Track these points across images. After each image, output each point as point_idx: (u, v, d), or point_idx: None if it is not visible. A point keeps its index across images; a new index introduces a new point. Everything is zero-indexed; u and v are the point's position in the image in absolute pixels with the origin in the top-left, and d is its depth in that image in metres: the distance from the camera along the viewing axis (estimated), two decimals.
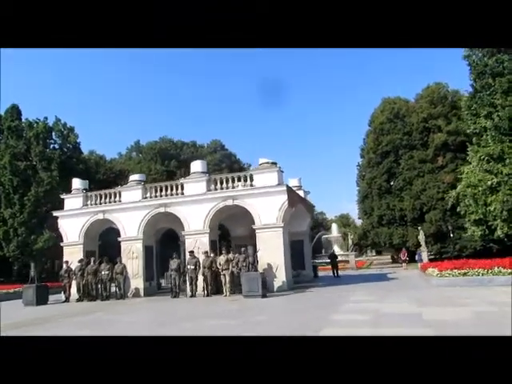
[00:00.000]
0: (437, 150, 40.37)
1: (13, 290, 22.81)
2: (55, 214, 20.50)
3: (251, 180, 17.67)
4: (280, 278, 16.41)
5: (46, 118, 37.14)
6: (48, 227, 34.15)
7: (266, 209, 16.99)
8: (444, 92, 42.63)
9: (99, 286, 17.73)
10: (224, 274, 15.85)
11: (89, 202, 20.08)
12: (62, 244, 20.06)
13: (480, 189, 27.86)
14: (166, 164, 48.21)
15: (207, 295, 15.95)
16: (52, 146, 37.01)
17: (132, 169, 47.70)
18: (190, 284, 16.22)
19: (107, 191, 20.30)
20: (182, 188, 18.64)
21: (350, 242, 38.36)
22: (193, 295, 16.10)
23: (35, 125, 36.25)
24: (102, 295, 17.60)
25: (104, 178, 43.48)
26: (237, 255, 16.73)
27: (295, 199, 18.46)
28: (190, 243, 17.90)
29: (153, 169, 46.30)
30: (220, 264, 15.99)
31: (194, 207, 17.97)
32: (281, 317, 9.57)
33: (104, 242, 21.10)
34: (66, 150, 37.45)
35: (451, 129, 39.47)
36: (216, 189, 18.10)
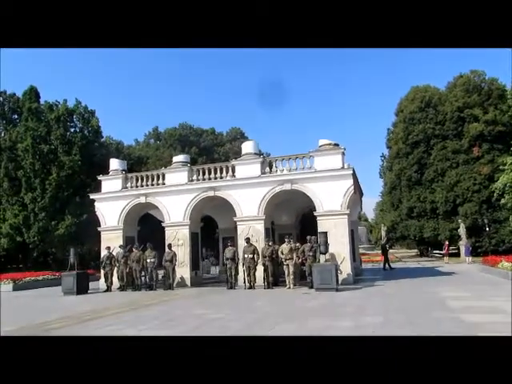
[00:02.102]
0: (472, 140, 38.63)
1: (41, 277, 21.45)
2: (92, 196, 19.01)
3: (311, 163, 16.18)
4: (344, 270, 14.95)
5: (65, 101, 35.66)
6: (70, 213, 32.89)
7: (330, 194, 15.48)
8: (481, 80, 40.79)
9: (143, 274, 16.31)
10: (287, 264, 14.37)
11: (129, 185, 18.61)
12: (99, 229, 18.60)
13: None
14: (186, 151, 46.63)
15: (268, 287, 14.50)
16: (73, 129, 35.52)
17: (150, 156, 46.37)
18: (248, 275, 14.73)
19: (149, 173, 18.83)
20: (233, 171, 17.16)
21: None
22: (251, 287, 14.63)
23: (55, 107, 34.83)
24: (147, 284, 16.21)
25: None
26: (298, 244, 15.34)
27: (356, 185, 16.93)
28: (242, 230, 16.45)
29: (173, 156, 44.79)
30: (283, 253, 14.52)
31: (248, 191, 16.49)
32: (398, 316, 8.08)
33: (142, 228, 19.67)
34: (86, 133, 35.93)
35: (489, 118, 37.67)
36: (271, 172, 16.60)
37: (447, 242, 29.95)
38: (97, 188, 31.78)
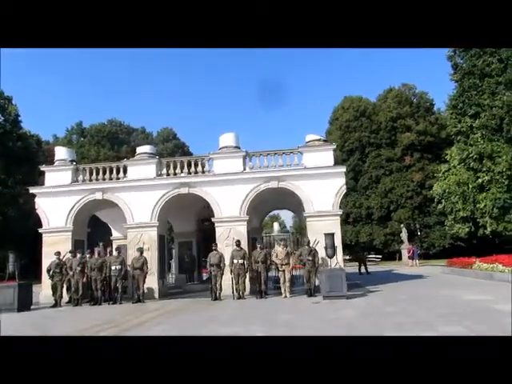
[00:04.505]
0: (404, 149, 40.61)
1: None
2: (32, 190, 15.59)
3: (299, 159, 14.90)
4: None
5: None
6: None
7: (321, 193, 14.36)
8: (411, 93, 43.24)
9: (104, 284, 13.57)
10: (283, 270, 12.81)
11: (80, 178, 15.63)
12: (41, 230, 15.30)
13: (470, 186, 27.85)
14: (115, 149, 42.83)
15: (260, 297, 12.75)
16: None
17: (75, 153, 41.66)
18: (237, 283, 12.84)
19: (107, 164, 16.02)
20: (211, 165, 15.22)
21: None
22: (240, 297, 12.77)
23: None
24: (109, 297, 13.52)
25: (41, 160, 37.24)
26: (287, 248, 13.88)
27: None
28: (221, 233, 14.58)
29: (101, 154, 40.73)
30: (278, 258, 12.92)
31: (228, 189, 14.67)
32: (480, 325, 7.02)
33: (93, 230, 16.75)
34: (3, 122, 30.98)
35: (420, 129, 39.88)
36: (253, 167, 15.00)
37: (411, 246, 30.40)
38: (16, 184, 27.29)
